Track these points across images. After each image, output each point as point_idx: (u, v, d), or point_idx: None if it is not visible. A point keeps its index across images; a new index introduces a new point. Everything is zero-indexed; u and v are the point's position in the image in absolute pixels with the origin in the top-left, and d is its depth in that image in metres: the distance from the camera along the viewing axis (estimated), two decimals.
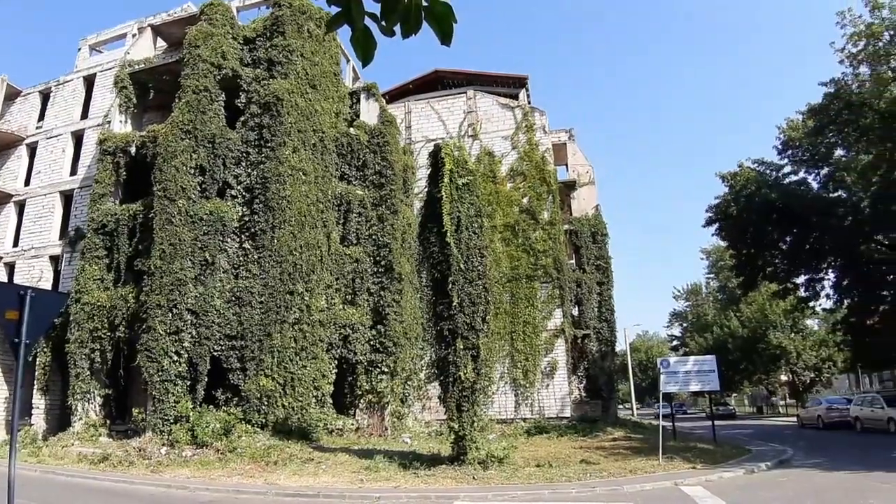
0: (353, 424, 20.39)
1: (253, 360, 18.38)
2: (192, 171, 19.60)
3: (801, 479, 13.05)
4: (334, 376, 20.64)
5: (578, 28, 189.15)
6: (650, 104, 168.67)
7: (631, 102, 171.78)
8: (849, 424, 26.88)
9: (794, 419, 37.29)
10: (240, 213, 19.97)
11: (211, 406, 18.14)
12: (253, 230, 19.67)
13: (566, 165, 34.76)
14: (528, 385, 26.17)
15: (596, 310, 30.56)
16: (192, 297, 18.42)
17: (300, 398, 18.87)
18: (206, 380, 18.35)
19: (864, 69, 26.36)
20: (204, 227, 19.10)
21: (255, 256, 19.42)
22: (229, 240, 19.66)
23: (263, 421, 17.89)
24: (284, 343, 18.84)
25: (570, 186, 33.65)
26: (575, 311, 30.27)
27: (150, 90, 24.91)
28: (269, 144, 20.22)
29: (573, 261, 31.35)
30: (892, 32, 24.55)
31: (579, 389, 29.53)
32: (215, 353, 18.50)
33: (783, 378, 55.21)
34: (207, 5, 21.81)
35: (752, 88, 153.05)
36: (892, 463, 14.42)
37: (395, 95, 31.99)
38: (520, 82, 32.97)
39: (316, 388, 19.60)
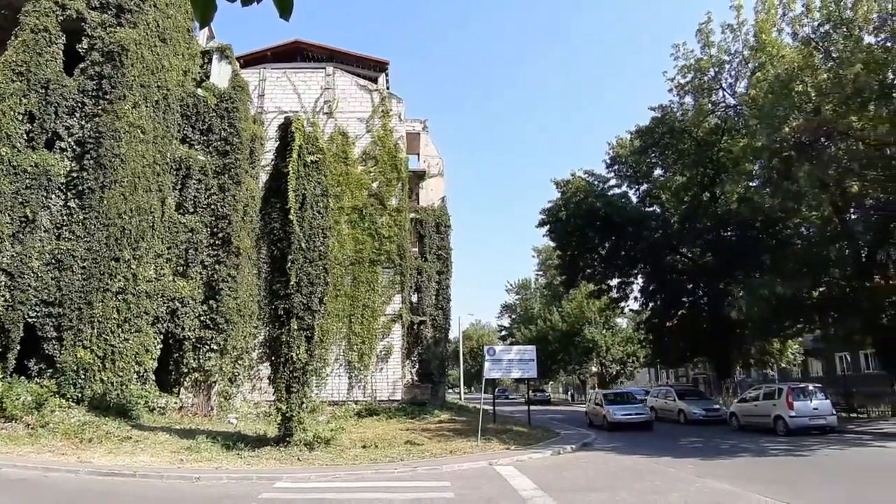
0: (176, 403, 19.58)
1: (71, 330, 16.97)
2: (20, 118, 17.66)
3: (600, 461, 14.65)
4: (159, 352, 19.67)
5: (440, 25, 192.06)
6: (504, 106, 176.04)
7: (485, 103, 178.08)
8: None
9: None
10: (68, 168, 18.17)
11: (22, 377, 16.53)
12: (81, 188, 17.99)
13: (418, 155, 35.44)
14: (362, 368, 26.53)
15: (434, 298, 31.62)
16: (7, 256, 16.67)
17: (120, 373, 17.84)
18: (18, 348, 16.66)
19: (689, 99, 29.76)
20: (27, 180, 17.30)
21: (81, 217, 17.80)
22: (54, 196, 17.86)
23: (79, 395, 16.74)
24: (106, 313, 17.63)
25: (419, 176, 34.37)
26: (414, 298, 31.10)
27: None
28: (108, 97, 18.61)
29: (416, 249, 32.14)
30: (717, 69, 27.93)
31: (412, 373, 30.46)
32: (30, 320, 16.85)
33: (594, 369, 60.89)
34: None
35: (592, 101, 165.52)
36: (679, 449, 16.51)
37: (250, 61, 30.49)
38: (380, 66, 32.93)
39: (138, 363, 18.62)
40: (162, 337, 19.84)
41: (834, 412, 19.30)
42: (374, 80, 31.49)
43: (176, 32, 21.86)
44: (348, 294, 26.99)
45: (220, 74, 24.01)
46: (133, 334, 18.43)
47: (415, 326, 30.28)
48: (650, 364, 52.15)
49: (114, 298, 17.95)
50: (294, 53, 32.10)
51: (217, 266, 21.28)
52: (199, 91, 22.77)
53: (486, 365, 19.77)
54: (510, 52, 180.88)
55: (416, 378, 30.59)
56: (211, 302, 20.90)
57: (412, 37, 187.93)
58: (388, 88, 31.89)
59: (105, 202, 17.96)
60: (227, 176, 22.18)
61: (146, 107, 19.73)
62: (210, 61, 24.29)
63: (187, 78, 22.63)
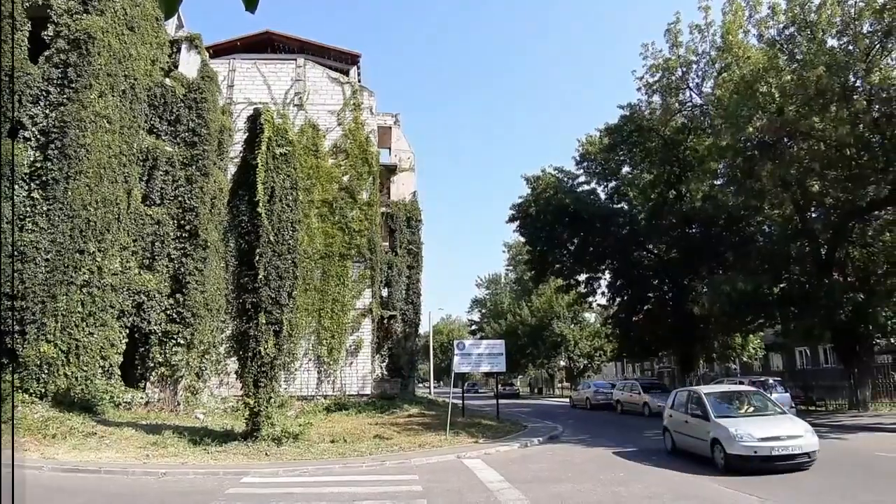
0: (142, 398, 19.31)
1: (34, 324, 16.58)
2: None
3: (566, 454, 14.89)
4: (125, 346, 19.35)
5: (413, 20, 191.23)
6: (476, 103, 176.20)
7: (458, 98, 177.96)
8: (611, 406, 30.68)
9: (568, 400, 41.84)
10: (31, 158, 17.66)
11: None
12: (45, 179, 17.51)
13: (389, 149, 35.29)
14: (331, 362, 26.42)
15: (404, 292, 31.66)
16: None
17: (85, 368, 17.50)
18: None
19: (656, 98, 30.08)
20: None
21: (45, 208, 17.35)
22: (17, 187, 17.36)
23: (43, 391, 16.40)
24: (70, 307, 17.25)
25: (391, 170, 34.26)
26: (384, 293, 31.07)
27: None
28: (74, 85, 18.13)
29: (387, 243, 32.10)
30: (684, 69, 28.31)
31: (381, 368, 30.46)
32: None
33: (562, 363, 61.62)
34: None
35: (565, 100, 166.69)
36: (644, 441, 16.81)
37: (220, 51, 29.98)
38: (352, 59, 32.71)
39: (103, 357, 18.29)
40: (127, 331, 19.53)
41: (793, 405, 19.90)
42: (346, 73, 31.28)
43: (144, 21, 21.41)
44: (318, 288, 26.82)
45: (189, 64, 23.62)
46: (98, 328, 18.08)
47: (385, 321, 30.25)
48: (617, 358, 52.91)
49: (78, 292, 17.57)
50: (265, 44, 31.68)
51: (184, 259, 20.99)
52: (168, 81, 22.38)
53: (456, 359, 19.88)
54: (483, 48, 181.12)
55: (385, 372, 30.60)
56: (178, 295, 20.62)
57: (385, 30, 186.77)
58: (359, 81, 31.69)
59: (70, 193, 17.54)
60: (194, 167, 21.86)
61: (113, 96, 19.30)
62: (179, 51, 23.91)
63: (155, 67, 22.21)
